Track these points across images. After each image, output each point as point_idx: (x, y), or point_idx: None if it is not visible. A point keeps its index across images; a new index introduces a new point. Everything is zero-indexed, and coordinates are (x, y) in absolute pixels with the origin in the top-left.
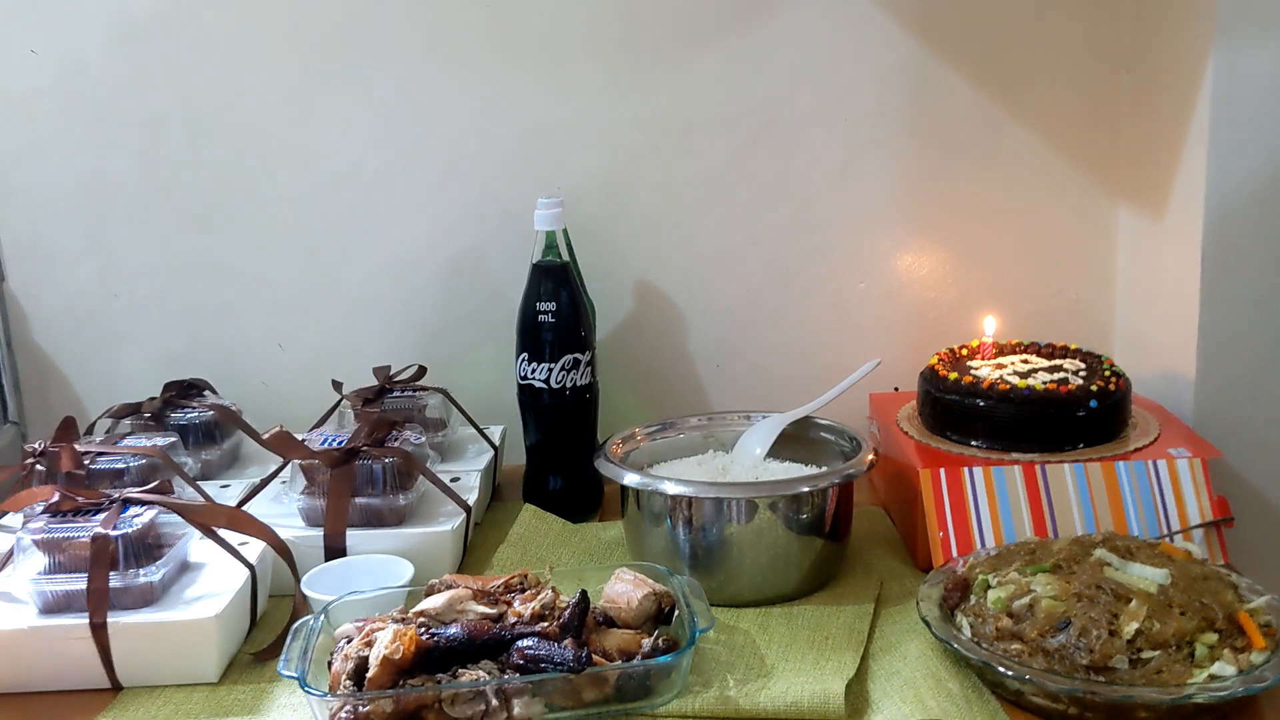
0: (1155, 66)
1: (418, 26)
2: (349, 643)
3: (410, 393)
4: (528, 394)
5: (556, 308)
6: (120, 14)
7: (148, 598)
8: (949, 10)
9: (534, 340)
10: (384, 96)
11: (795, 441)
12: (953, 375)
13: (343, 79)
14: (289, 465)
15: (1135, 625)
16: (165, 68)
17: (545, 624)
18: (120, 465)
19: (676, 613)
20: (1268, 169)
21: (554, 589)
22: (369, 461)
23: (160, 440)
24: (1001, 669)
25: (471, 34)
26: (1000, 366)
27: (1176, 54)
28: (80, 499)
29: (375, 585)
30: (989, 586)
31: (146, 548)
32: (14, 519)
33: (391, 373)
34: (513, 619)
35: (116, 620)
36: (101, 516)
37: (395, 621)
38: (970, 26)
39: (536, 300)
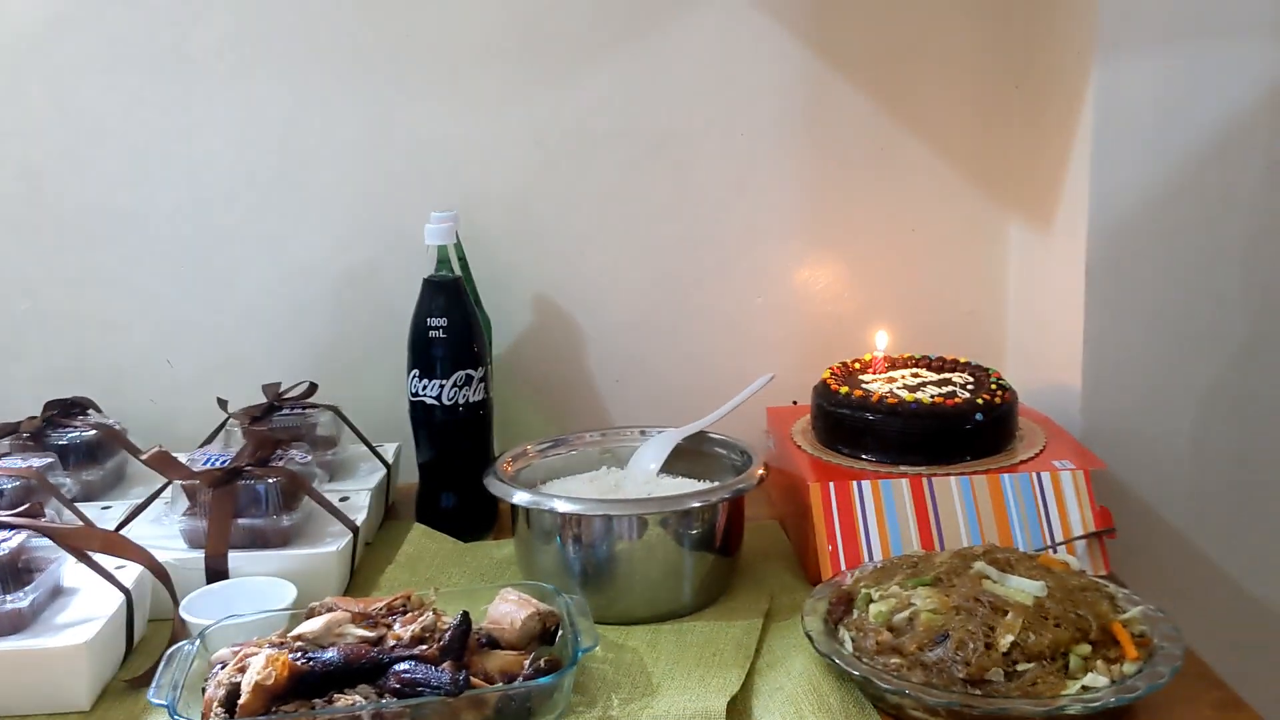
0: (1042, 80)
1: (309, 37)
2: (223, 668)
3: (300, 410)
4: (419, 410)
5: (448, 323)
6: None
7: (17, 624)
8: (844, 24)
9: (425, 356)
10: (274, 108)
11: (689, 456)
12: (844, 389)
13: (231, 90)
14: (171, 486)
15: (1011, 637)
16: (43, 76)
17: (425, 647)
18: None
19: (561, 632)
20: (1149, 182)
21: (436, 611)
22: (252, 481)
23: (36, 461)
24: (881, 683)
25: (364, 46)
26: (891, 380)
27: (1062, 68)
28: None
29: (257, 608)
30: (871, 600)
31: (16, 572)
32: None
33: (281, 390)
34: (392, 642)
35: None
36: None
37: (272, 646)
38: (864, 40)
39: (428, 315)
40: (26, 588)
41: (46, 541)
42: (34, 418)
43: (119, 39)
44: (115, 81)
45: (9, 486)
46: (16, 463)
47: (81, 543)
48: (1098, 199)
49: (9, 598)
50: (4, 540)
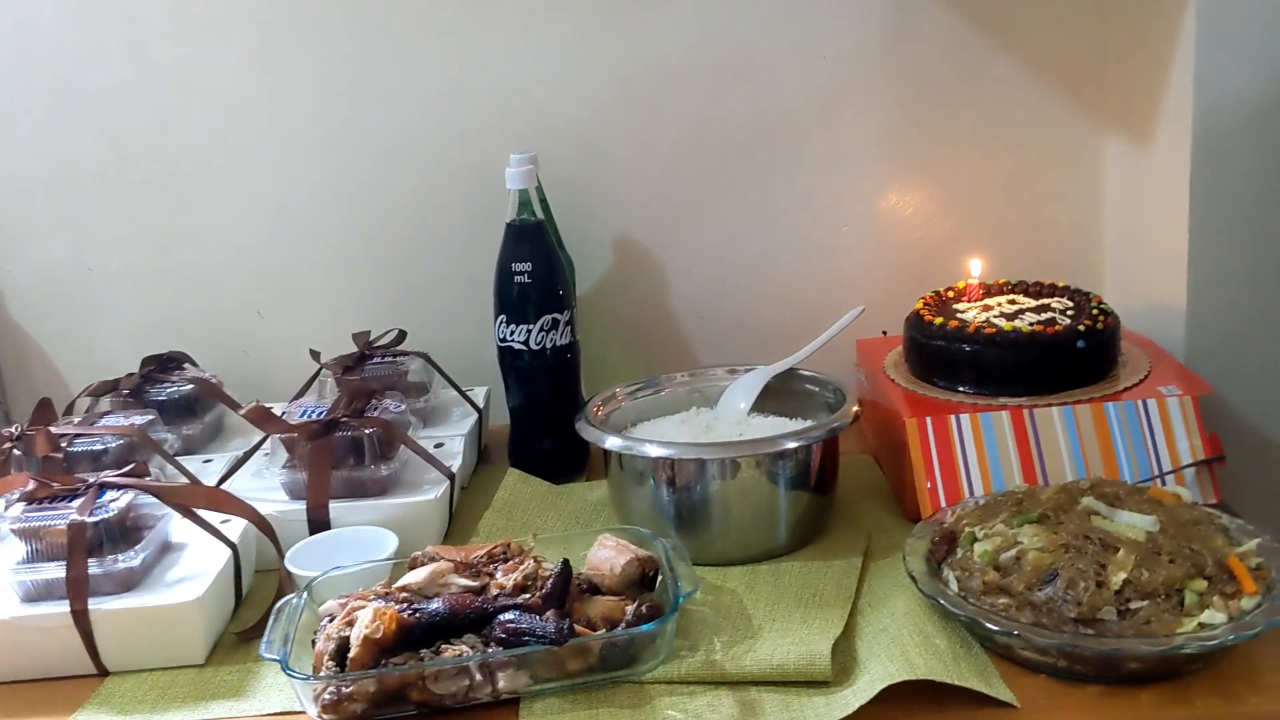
0: None
1: None
2: (331, 621)
3: (391, 358)
4: (507, 356)
5: (532, 268)
6: None
7: (129, 582)
8: None
9: (511, 301)
10: (350, 57)
11: (780, 394)
12: (938, 320)
13: (308, 41)
14: (269, 439)
15: (1123, 575)
16: (123, 36)
17: (528, 595)
18: (99, 446)
19: (660, 577)
20: (1255, 94)
21: (536, 558)
22: (349, 432)
23: (139, 418)
24: (989, 624)
25: None
26: (987, 308)
27: None
28: (56, 485)
29: (360, 558)
30: (975, 539)
31: (125, 531)
32: None
33: (371, 338)
34: (495, 591)
35: (98, 607)
36: (79, 502)
37: (377, 598)
38: None
39: (512, 261)
40: (136, 546)
41: (153, 499)
42: (132, 374)
43: None
44: (194, 40)
45: (113, 445)
46: (119, 420)
47: (187, 500)
48: (1202, 111)
49: (120, 557)
50: (113, 500)
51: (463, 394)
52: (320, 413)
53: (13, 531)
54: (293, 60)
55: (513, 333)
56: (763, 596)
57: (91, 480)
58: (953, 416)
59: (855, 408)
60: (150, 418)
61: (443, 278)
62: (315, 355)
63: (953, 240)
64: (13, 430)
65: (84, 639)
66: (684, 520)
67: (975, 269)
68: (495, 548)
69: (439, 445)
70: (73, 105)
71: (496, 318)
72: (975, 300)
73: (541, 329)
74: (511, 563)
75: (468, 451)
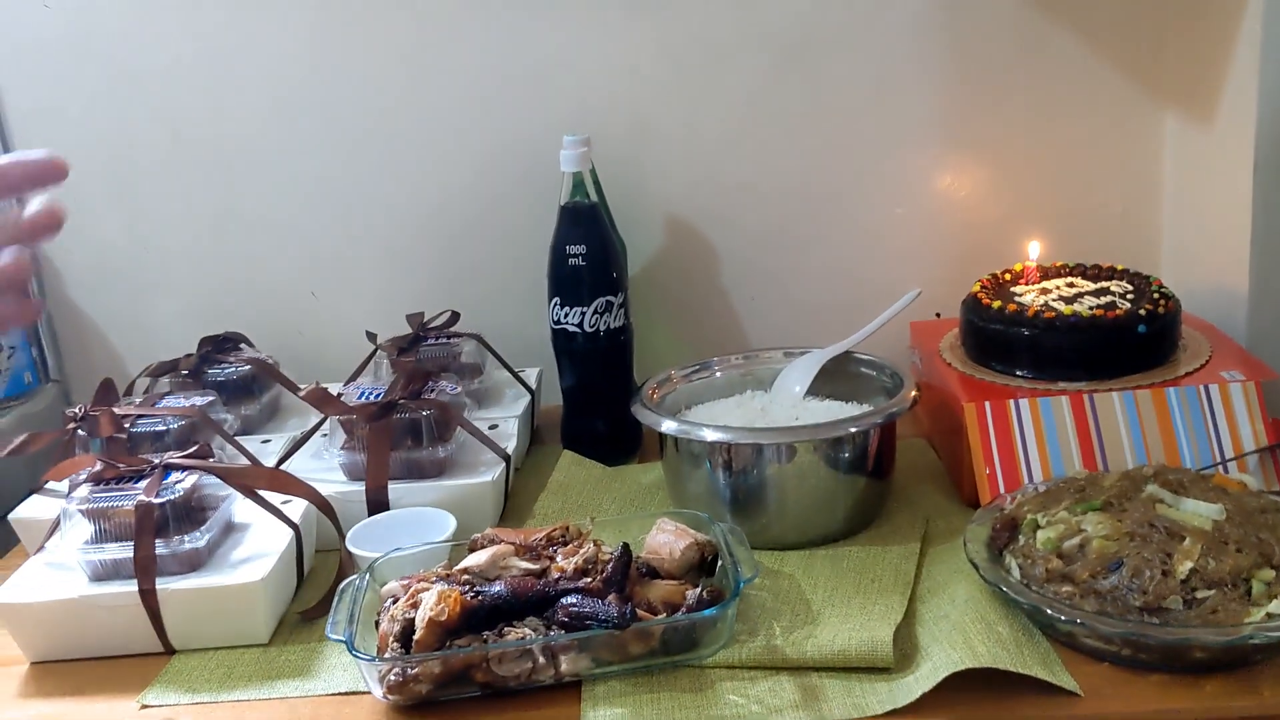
0: None
1: None
2: (395, 603)
3: (445, 339)
4: (561, 338)
5: (587, 250)
6: None
7: (195, 562)
8: None
9: (565, 284)
10: (403, 37)
11: (834, 377)
12: (996, 303)
13: (359, 23)
14: (328, 420)
15: (1190, 564)
16: (180, 17)
17: (588, 579)
18: (160, 427)
19: (720, 562)
20: None
21: (596, 541)
22: (406, 414)
23: (199, 399)
24: (1052, 612)
25: None
26: (1045, 291)
27: None
28: (122, 466)
29: (418, 538)
30: (1038, 526)
31: (190, 511)
32: (59, 485)
33: (425, 319)
34: (556, 574)
35: (165, 586)
36: (145, 483)
37: (439, 580)
38: None
39: (566, 243)
40: (202, 527)
41: (217, 480)
42: (190, 355)
43: None
44: (249, 21)
45: (175, 425)
46: (179, 401)
47: (251, 481)
48: (1268, 88)
49: (187, 538)
50: (178, 481)
51: (516, 375)
52: (378, 394)
53: (81, 512)
54: (346, 42)
55: (567, 315)
56: (821, 581)
57: (157, 461)
58: (1012, 401)
59: (914, 392)
60: (211, 398)
61: (495, 259)
62: (371, 337)
63: (1009, 221)
64: (76, 411)
65: (151, 618)
66: (741, 504)
67: (1033, 251)
68: (555, 530)
69: (493, 426)
70: (128, 87)
71: (550, 300)
72: (1033, 283)
73: (595, 311)
74: (571, 546)
75: (521, 433)
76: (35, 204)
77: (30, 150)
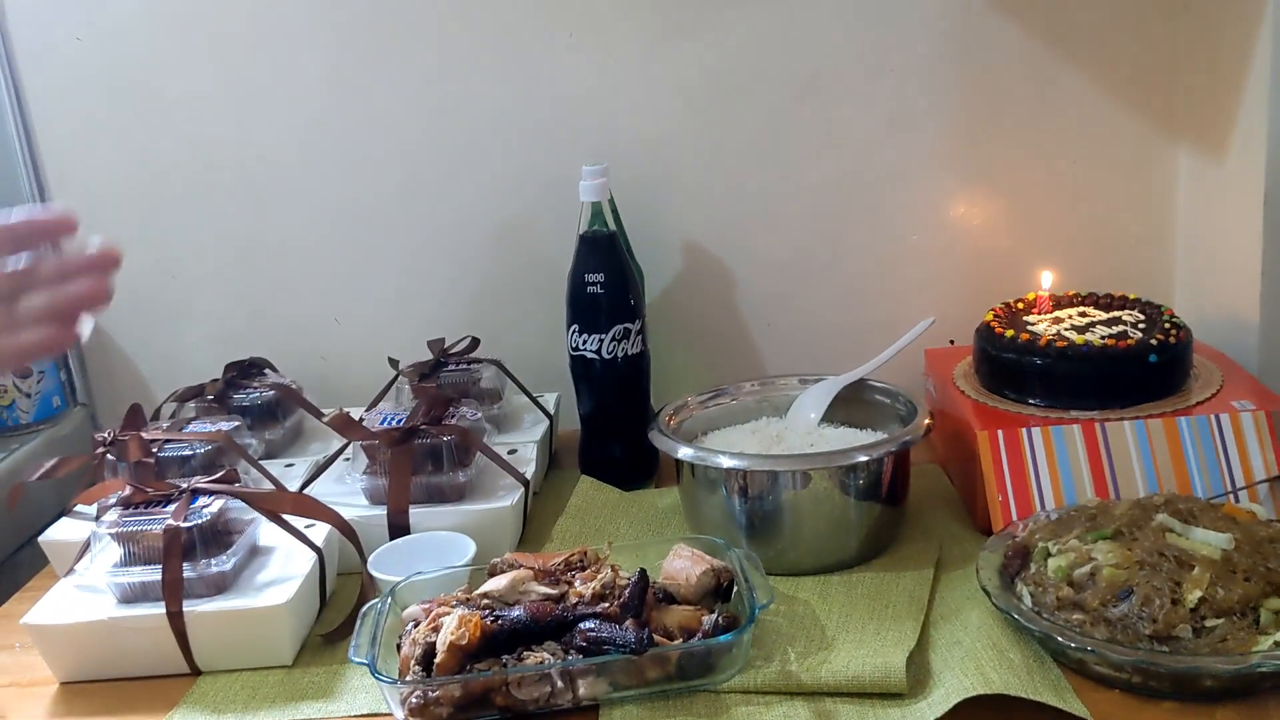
0: (1213, 2)
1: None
2: (416, 627)
3: (465, 365)
4: (580, 365)
5: (605, 279)
6: None
7: (221, 585)
8: None
9: (584, 312)
10: (425, 68)
11: (849, 404)
12: (1009, 332)
13: (383, 52)
14: (350, 445)
15: (1199, 593)
16: (207, 48)
17: (606, 604)
18: (187, 452)
19: (735, 587)
20: None
21: (613, 566)
22: (428, 439)
23: (225, 424)
24: (1063, 639)
25: (506, 3)
26: (1057, 321)
27: None
28: (151, 490)
29: (439, 562)
30: (1049, 554)
31: (217, 535)
32: (88, 508)
33: (445, 345)
34: (574, 599)
35: (192, 609)
36: (173, 507)
37: (460, 604)
38: None
39: (585, 272)
40: (228, 551)
41: (242, 504)
42: (216, 380)
43: (277, 9)
44: (275, 51)
45: (201, 450)
46: (206, 426)
47: (275, 505)
48: (1278, 124)
49: (213, 562)
50: (205, 506)
51: (535, 401)
52: (399, 419)
53: (110, 535)
54: (369, 73)
55: (585, 342)
56: (835, 607)
57: (185, 486)
58: (1024, 429)
59: (928, 420)
60: (236, 424)
61: (515, 285)
62: (393, 363)
63: (1022, 251)
64: (105, 435)
65: (178, 640)
66: (756, 530)
67: (1045, 281)
68: (573, 555)
69: (512, 451)
70: (158, 117)
71: (569, 327)
72: (1046, 312)
73: (613, 338)
74: (589, 571)
75: (540, 458)
76: (95, 243)
77: (42, 206)
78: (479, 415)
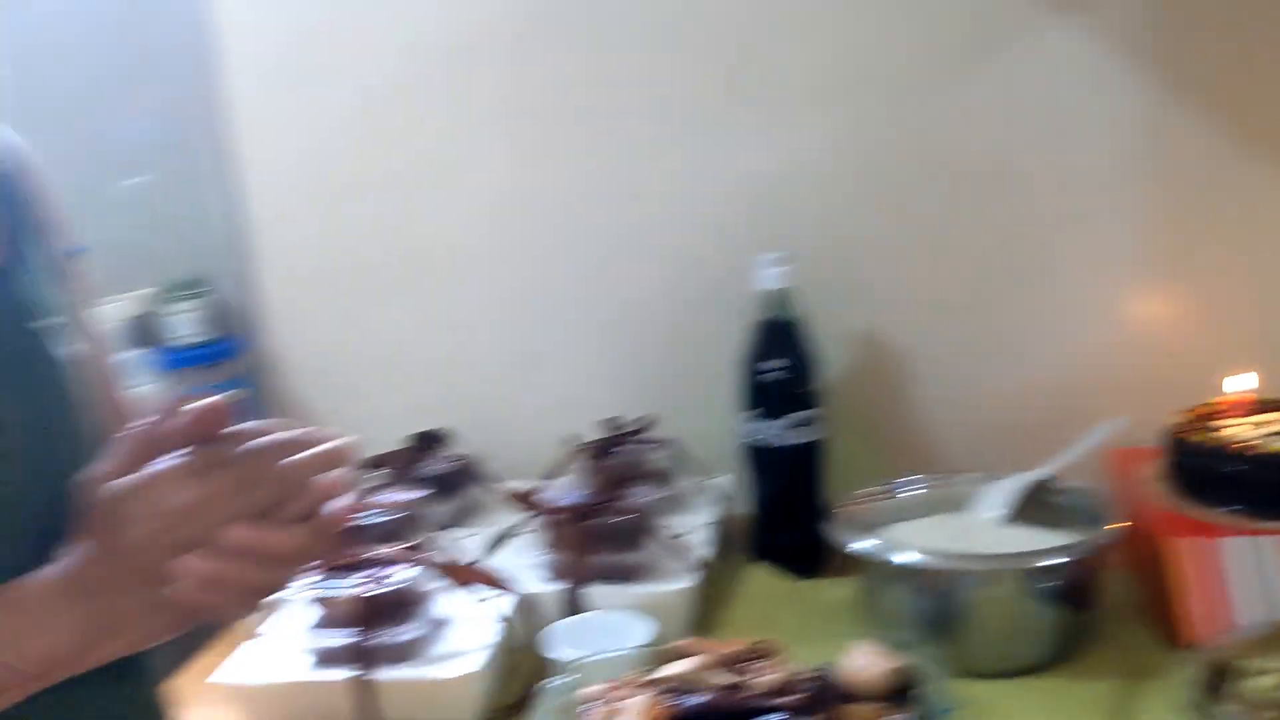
0: None
1: (636, 79)
2: (594, 707)
3: (640, 444)
4: (754, 451)
5: (781, 366)
6: (360, 87)
7: (409, 654)
8: (1190, 54)
9: (759, 399)
10: (605, 149)
11: (1033, 502)
12: (1201, 436)
13: (564, 133)
14: (528, 519)
15: None
16: (394, 134)
17: (786, 698)
18: (376, 519)
19: (914, 689)
20: None
21: (792, 660)
22: (605, 518)
23: (410, 494)
24: None
25: (693, 85)
26: (1256, 426)
27: None
28: (348, 557)
29: (615, 641)
30: (1253, 672)
31: (405, 603)
32: None
33: (620, 423)
34: (753, 690)
35: (383, 675)
36: (365, 574)
37: (640, 687)
38: (1212, 68)
39: (762, 358)
40: (417, 619)
41: (428, 573)
42: (401, 450)
43: (457, 93)
44: (461, 137)
45: (388, 519)
46: (392, 496)
47: (461, 576)
48: None
49: (403, 630)
50: (396, 574)
51: (707, 483)
52: (578, 497)
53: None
54: (551, 158)
55: (761, 429)
56: (1017, 714)
57: (380, 553)
58: (1220, 540)
59: (1122, 523)
60: (423, 494)
61: (688, 367)
62: (570, 440)
63: (1213, 350)
64: None
65: (367, 705)
66: (935, 628)
67: (1242, 383)
68: (752, 645)
69: (685, 534)
70: (354, 197)
71: (745, 412)
72: (1242, 416)
73: (789, 425)
74: (770, 662)
75: (712, 541)
76: (336, 505)
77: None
78: (654, 496)
